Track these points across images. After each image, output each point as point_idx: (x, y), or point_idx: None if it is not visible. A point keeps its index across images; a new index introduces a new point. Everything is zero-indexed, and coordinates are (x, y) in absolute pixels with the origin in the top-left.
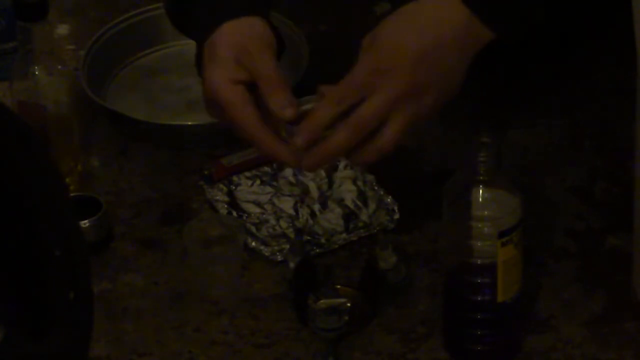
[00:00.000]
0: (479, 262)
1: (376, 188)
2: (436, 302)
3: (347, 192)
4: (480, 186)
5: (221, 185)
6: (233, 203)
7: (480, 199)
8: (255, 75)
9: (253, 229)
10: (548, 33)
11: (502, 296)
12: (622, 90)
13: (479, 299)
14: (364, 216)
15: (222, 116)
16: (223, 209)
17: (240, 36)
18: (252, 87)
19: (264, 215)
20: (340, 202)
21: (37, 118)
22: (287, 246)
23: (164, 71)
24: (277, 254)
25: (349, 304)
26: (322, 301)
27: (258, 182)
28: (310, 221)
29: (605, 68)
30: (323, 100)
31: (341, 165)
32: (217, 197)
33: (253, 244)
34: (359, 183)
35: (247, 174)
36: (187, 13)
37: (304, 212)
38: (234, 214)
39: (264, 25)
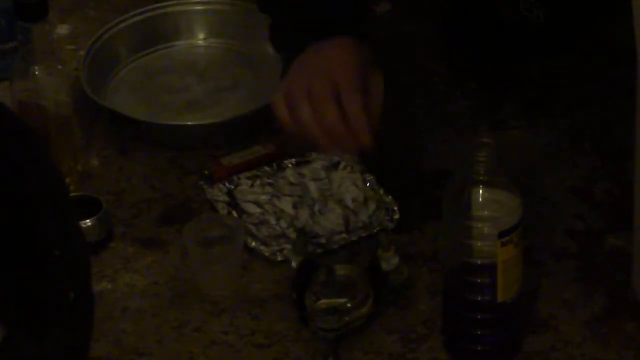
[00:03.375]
0: (479, 262)
1: (376, 188)
2: (436, 302)
3: (347, 192)
4: (480, 186)
5: (221, 185)
6: (233, 203)
7: (480, 199)
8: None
9: (253, 229)
10: (548, 32)
11: (502, 296)
12: (622, 90)
13: (479, 299)
14: (364, 216)
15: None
16: (223, 209)
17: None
18: None
19: (264, 215)
20: (340, 202)
21: (37, 118)
22: (287, 246)
23: (164, 71)
24: (277, 254)
25: (349, 305)
26: (322, 301)
27: (258, 182)
28: (310, 221)
29: (605, 68)
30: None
31: (341, 165)
32: (217, 197)
33: (253, 244)
34: (359, 183)
35: (247, 174)
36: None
37: (304, 212)
38: (234, 214)
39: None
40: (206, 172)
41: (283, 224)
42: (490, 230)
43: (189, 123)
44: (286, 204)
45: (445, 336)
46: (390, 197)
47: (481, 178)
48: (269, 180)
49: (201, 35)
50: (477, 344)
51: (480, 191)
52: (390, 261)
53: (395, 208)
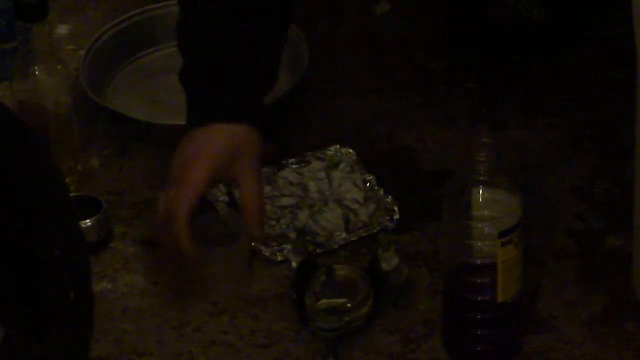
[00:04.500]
0: (479, 262)
1: (376, 188)
2: (436, 302)
3: (347, 192)
4: (480, 186)
5: (221, 185)
6: (233, 203)
7: (480, 199)
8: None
9: None
10: (548, 32)
11: (502, 296)
12: (622, 90)
13: (479, 299)
14: (364, 216)
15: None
16: (223, 209)
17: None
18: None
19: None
20: (340, 202)
21: (37, 118)
22: (287, 246)
23: (164, 71)
24: (277, 254)
25: (349, 305)
26: (322, 301)
27: None
28: (310, 221)
29: (605, 68)
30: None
31: (341, 165)
32: (217, 197)
33: (253, 244)
34: (359, 183)
35: None
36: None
37: (304, 212)
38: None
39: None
40: None
41: (283, 224)
42: (490, 230)
43: None
44: (286, 204)
45: (445, 336)
46: (390, 197)
47: (481, 178)
48: (269, 180)
49: None
50: (477, 344)
51: (480, 191)
52: (390, 261)
53: (395, 208)
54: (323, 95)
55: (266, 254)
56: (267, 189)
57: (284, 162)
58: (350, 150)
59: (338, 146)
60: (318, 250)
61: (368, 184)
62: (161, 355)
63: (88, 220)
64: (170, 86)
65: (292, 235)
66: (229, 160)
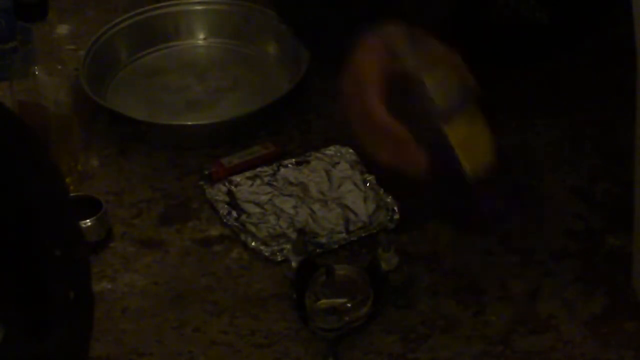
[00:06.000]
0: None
1: (376, 188)
2: (436, 302)
3: (347, 192)
4: None
5: (221, 185)
6: (233, 203)
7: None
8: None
9: (253, 229)
10: (550, 34)
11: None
12: (622, 90)
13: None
14: (363, 216)
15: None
16: (223, 209)
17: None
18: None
19: (264, 215)
20: (340, 202)
21: (37, 118)
22: (287, 246)
23: (164, 71)
24: (277, 254)
25: (349, 305)
26: (322, 301)
27: (258, 182)
28: (310, 221)
29: (605, 68)
30: None
31: (341, 165)
32: (217, 197)
33: (253, 244)
34: (359, 183)
35: (247, 174)
36: None
37: (304, 212)
38: (234, 214)
39: None
40: (206, 172)
41: (283, 224)
42: None
43: (189, 123)
44: (286, 204)
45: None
46: (390, 197)
47: None
48: (269, 180)
49: (201, 35)
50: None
51: None
52: (390, 261)
53: (395, 208)
54: (323, 95)
55: (266, 254)
56: (267, 189)
57: (284, 162)
58: (350, 150)
59: (338, 146)
60: (318, 250)
61: (368, 184)
62: (161, 355)
63: (88, 220)
64: (170, 86)
65: (292, 235)
66: None
